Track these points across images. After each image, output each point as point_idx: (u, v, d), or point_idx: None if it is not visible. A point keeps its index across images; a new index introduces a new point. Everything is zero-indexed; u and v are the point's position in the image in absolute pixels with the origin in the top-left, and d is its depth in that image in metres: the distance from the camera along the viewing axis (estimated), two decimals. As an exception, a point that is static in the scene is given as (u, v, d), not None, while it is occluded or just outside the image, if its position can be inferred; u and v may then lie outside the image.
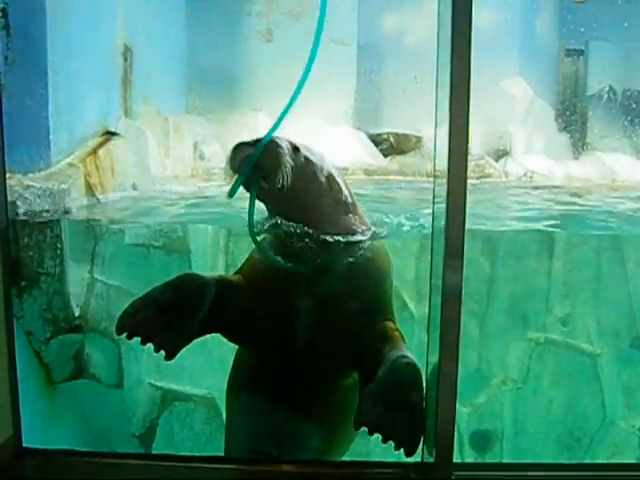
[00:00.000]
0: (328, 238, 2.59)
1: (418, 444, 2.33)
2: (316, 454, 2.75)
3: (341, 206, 2.65)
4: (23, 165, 3.63)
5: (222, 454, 2.91)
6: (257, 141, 2.43)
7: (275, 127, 2.46)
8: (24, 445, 2.61)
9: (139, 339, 2.49)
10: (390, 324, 2.63)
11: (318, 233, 2.57)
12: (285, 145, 2.47)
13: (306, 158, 2.54)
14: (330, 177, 2.62)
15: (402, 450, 2.29)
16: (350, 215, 2.68)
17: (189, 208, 4.79)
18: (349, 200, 2.69)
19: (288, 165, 2.43)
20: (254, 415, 2.75)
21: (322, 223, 2.59)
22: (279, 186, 2.42)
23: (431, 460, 2.30)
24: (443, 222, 2.12)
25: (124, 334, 2.49)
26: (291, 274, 2.58)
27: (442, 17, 2.16)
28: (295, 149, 2.51)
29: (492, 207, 5.32)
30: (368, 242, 2.69)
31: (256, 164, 2.40)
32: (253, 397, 2.73)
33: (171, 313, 2.53)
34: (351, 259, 2.63)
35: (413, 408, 2.33)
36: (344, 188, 2.68)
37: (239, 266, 2.80)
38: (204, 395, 4.24)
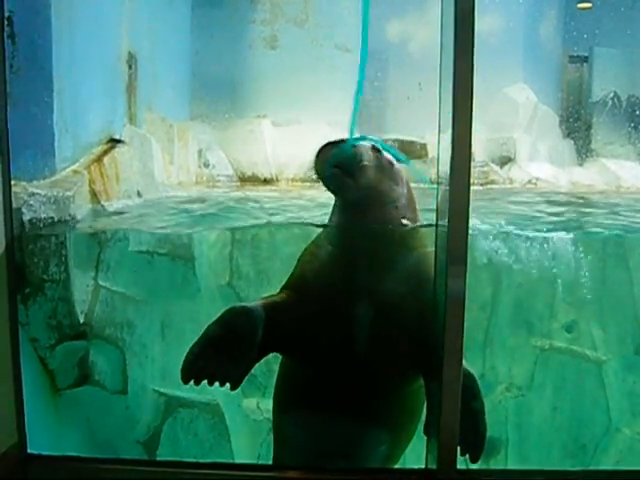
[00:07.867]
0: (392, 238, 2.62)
1: (482, 449, 2.46)
2: (383, 462, 2.76)
3: (404, 210, 2.64)
4: (28, 172, 3.63)
5: (225, 460, 2.91)
6: (341, 141, 2.52)
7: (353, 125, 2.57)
8: (29, 451, 2.62)
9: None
10: None
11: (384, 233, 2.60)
12: (367, 145, 2.55)
13: (388, 160, 2.59)
14: (403, 183, 2.63)
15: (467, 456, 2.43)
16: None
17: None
18: (414, 207, 2.69)
19: (370, 164, 2.50)
20: (319, 431, 2.72)
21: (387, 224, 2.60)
22: (362, 184, 2.47)
23: (435, 466, 2.30)
24: (446, 228, 2.13)
25: (191, 382, 2.53)
26: (347, 279, 2.57)
27: (445, 24, 2.17)
28: (376, 150, 2.57)
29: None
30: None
31: (341, 163, 2.47)
32: (315, 412, 2.69)
33: (229, 348, 2.56)
34: (410, 262, 2.63)
35: (475, 415, 2.42)
36: (412, 197, 2.69)
37: (286, 279, 2.75)
38: (208, 401, 4.23)
